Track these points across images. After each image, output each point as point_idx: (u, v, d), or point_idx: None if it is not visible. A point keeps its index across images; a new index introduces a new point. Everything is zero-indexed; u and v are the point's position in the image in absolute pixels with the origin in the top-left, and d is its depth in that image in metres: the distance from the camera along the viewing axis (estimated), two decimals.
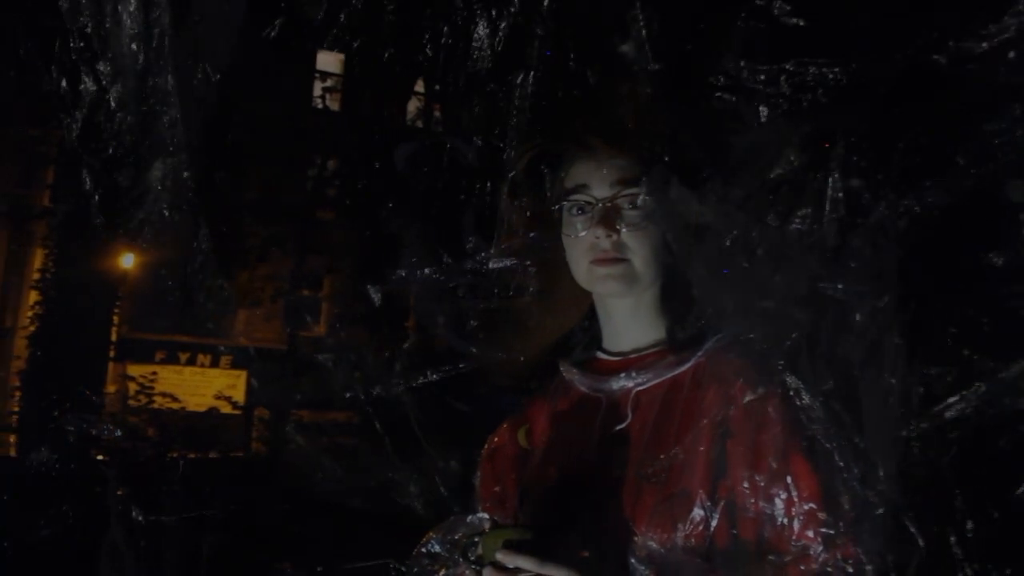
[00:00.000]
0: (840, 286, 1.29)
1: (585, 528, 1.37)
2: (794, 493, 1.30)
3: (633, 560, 1.33)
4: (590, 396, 1.47)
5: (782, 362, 1.39)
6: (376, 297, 1.53)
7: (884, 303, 1.31)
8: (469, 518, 1.42)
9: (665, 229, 1.42)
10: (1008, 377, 1.31)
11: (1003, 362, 1.32)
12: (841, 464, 1.31)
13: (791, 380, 1.37)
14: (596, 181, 1.44)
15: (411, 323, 1.78)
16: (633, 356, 1.47)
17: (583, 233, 1.44)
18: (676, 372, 1.42)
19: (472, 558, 1.36)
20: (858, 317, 1.32)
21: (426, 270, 1.51)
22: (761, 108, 1.39)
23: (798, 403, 1.34)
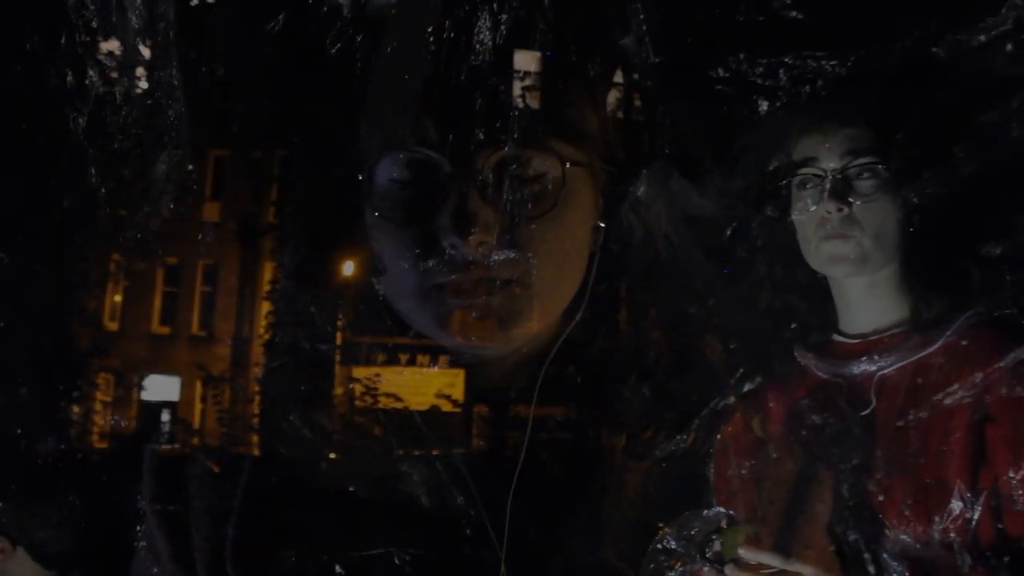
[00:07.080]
0: None
1: (830, 522, 1.30)
2: None
3: (885, 555, 1.25)
4: (829, 382, 1.40)
5: None
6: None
7: None
8: (704, 513, 1.38)
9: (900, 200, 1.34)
10: None
11: None
12: None
13: None
14: (825, 153, 1.38)
15: (623, 315, 1.75)
16: (874, 338, 1.39)
17: (813, 208, 1.37)
18: (923, 354, 1.34)
19: (709, 554, 1.32)
20: None
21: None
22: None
23: None
